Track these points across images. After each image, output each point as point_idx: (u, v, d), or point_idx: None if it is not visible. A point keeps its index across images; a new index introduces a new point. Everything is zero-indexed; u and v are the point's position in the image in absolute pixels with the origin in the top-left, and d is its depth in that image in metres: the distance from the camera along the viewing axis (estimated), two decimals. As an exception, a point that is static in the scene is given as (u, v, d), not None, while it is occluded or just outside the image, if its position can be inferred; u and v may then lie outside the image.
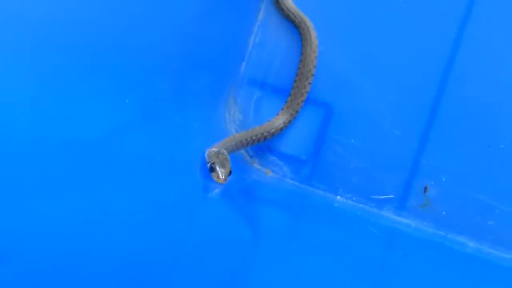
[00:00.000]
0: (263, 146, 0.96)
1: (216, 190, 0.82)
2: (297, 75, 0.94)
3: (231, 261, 0.87)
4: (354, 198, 0.93)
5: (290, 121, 0.94)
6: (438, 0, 0.91)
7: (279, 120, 0.94)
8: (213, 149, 0.82)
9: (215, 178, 0.79)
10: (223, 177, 0.78)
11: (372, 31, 0.93)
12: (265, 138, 0.93)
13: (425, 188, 0.90)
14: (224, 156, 0.81)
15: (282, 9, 0.95)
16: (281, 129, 0.94)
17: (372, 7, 0.93)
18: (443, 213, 0.90)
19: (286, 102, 0.95)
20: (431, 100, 0.91)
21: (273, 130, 0.93)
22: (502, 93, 0.89)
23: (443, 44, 0.90)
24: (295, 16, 0.95)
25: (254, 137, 0.92)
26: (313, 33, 0.94)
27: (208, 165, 0.80)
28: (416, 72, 0.91)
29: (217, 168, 0.79)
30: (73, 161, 0.66)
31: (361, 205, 0.92)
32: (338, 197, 0.93)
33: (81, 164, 0.67)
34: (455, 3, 0.91)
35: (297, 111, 0.94)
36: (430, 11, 0.91)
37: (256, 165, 0.96)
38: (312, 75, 0.94)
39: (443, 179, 0.90)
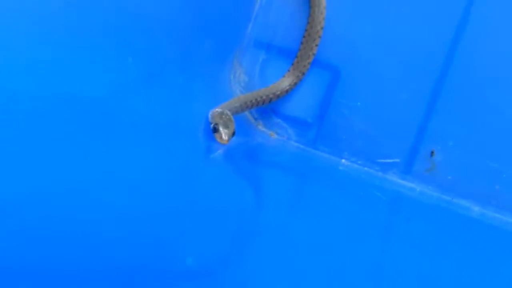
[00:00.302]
0: (268, 108, 0.95)
1: (219, 151, 0.82)
2: (304, 36, 0.93)
3: (234, 223, 0.87)
4: (359, 162, 0.92)
5: (296, 83, 0.93)
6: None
7: (285, 82, 0.93)
8: (216, 109, 0.81)
9: (218, 139, 0.78)
10: (226, 137, 0.78)
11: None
12: (270, 100, 0.92)
13: (432, 152, 0.89)
14: (227, 117, 0.80)
15: (289, -31, 0.93)
16: (287, 91, 0.93)
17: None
18: (449, 177, 0.89)
19: (293, 64, 0.93)
20: (440, 64, 0.89)
21: (279, 92, 0.92)
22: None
23: (454, 9, 0.88)
24: (302, -24, 0.93)
25: (259, 99, 0.91)
26: (322, -6, 0.92)
27: (211, 125, 0.79)
28: (425, 35, 0.90)
29: (220, 129, 0.78)
30: (75, 119, 0.65)
31: (366, 168, 0.92)
32: (343, 161, 0.92)
33: (83, 122, 0.66)
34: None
35: (303, 73, 0.93)
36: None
37: (260, 127, 0.95)
38: (320, 37, 0.92)
39: (450, 144, 0.89)
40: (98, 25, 0.73)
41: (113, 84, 0.70)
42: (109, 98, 0.69)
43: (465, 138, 0.88)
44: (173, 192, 0.78)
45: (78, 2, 0.71)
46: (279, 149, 0.94)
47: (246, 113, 0.95)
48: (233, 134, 0.79)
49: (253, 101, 0.90)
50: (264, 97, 0.91)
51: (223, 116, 0.80)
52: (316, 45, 0.93)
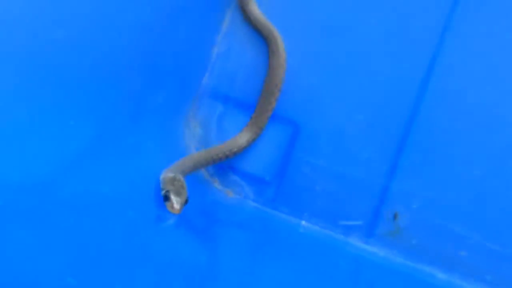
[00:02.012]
0: (224, 164, 0.90)
1: (170, 220, 0.76)
2: (263, 90, 0.88)
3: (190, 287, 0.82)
4: (320, 224, 0.87)
5: (254, 140, 0.88)
6: (412, 21, 0.86)
7: (243, 138, 0.88)
8: (168, 174, 0.75)
9: (169, 208, 0.72)
10: (178, 207, 0.72)
11: (344, 47, 0.88)
12: (226, 157, 0.87)
13: (395, 215, 0.85)
14: (180, 183, 0.74)
15: (249, 19, 0.89)
16: (245, 147, 0.88)
17: (344, 22, 0.87)
18: (413, 242, 0.85)
19: (251, 118, 0.89)
20: (403, 122, 0.86)
21: (236, 149, 0.87)
22: (476, 119, 0.84)
23: (416, 66, 0.86)
24: (263, 27, 0.88)
25: (215, 157, 0.86)
26: (281, 46, 0.88)
27: (163, 192, 0.73)
28: (389, 92, 0.86)
29: (172, 197, 0.72)
30: (10, 209, 0.58)
31: (327, 231, 0.87)
32: (303, 222, 0.88)
33: (21, 209, 0.59)
34: (430, 24, 0.85)
35: (262, 129, 0.88)
36: (404, 31, 0.86)
37: (216, 185, 0.90)
38: (279, 90, 0.88)
39: (414, 206, 0.85)
40: (33, 81, 0.66)
41: (51, 157, 0.63)
42: (47, 175, 0.62)
43: (430, 201, 0.85)
44: (125, 266, 0.72)
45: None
46: (236, 208, 0.89)
47: (202, 169, 0.90)
48: (186, 202, 0.74)
49: (209, 159, 0.85)
50: (220, 155, 0.86)
51: (175, 182, 0.74)
52: (275, 99, 0.88)
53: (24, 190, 0.59)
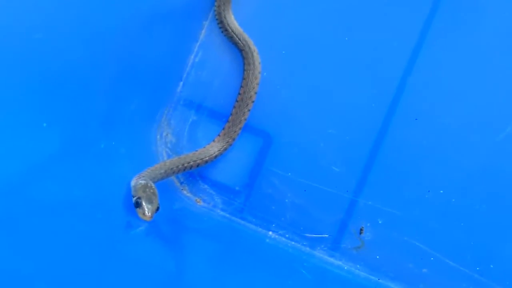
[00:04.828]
0: (194, 172, 0.90)
1: (140, 228, 0.76)
2: (237, 100, 0.89)
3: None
4: (287, 235, 0.88)
5: (225, 149, 0.89)
6: (387, 36, 0.88)
7: (214, 148, 0.88)
8: (139, 180, 0.76)
9: (140, 215, 0.72)
10: (150, 214, 0.72)
11: (318, 61, 0.89)
12: (197, 165, 0.87)
13: (361, 229, 0.87)
14: (151, 190, 0.74)
15: (226, 30, 0.90)
16: (216, 156, 0.89)
17: (320, 36, 0.89)
18: (377, 257, 0.87)
19: (224, 128, 0.89)
20: (373, 139, 0.87)
21: (207, 158, 0.88)
22: (444, 138, 0.86)
23: (388, 84, 0.87)
24: (239, 38, 0.89)
25: (186, 164, 0.86)
26: (257, 58, 0.89)
27: (134, 199, 0.73)
28: (360, 109, 0.88)
29: (144, 204, 0.72)
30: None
31: (293, 242, 0.88)
32: (270, 233, 0.89)
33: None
34: (403, 40, 0.87)
35: (234, 139, 0.89)
36: (378, 47, 0.88)
37: (186, 192, 0.90)
38: (253, 101, 0.89)
39: (380, 222, 0.87)
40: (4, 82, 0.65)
41: (23, 160, 0.63)
42: (17, 180, 0.61)
43: (395, 217, 0.87)
44: (91, 269, 0.72)
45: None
46: (204, 216, 0.90)
47: (172, 176, 0.90)
48: (157, 209, 0.74)
49: (180, 166, 0.86)
50: (191, 163, 0.87)
51: (147, 190, 0.74)
52: (249, 110, 0.89)
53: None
